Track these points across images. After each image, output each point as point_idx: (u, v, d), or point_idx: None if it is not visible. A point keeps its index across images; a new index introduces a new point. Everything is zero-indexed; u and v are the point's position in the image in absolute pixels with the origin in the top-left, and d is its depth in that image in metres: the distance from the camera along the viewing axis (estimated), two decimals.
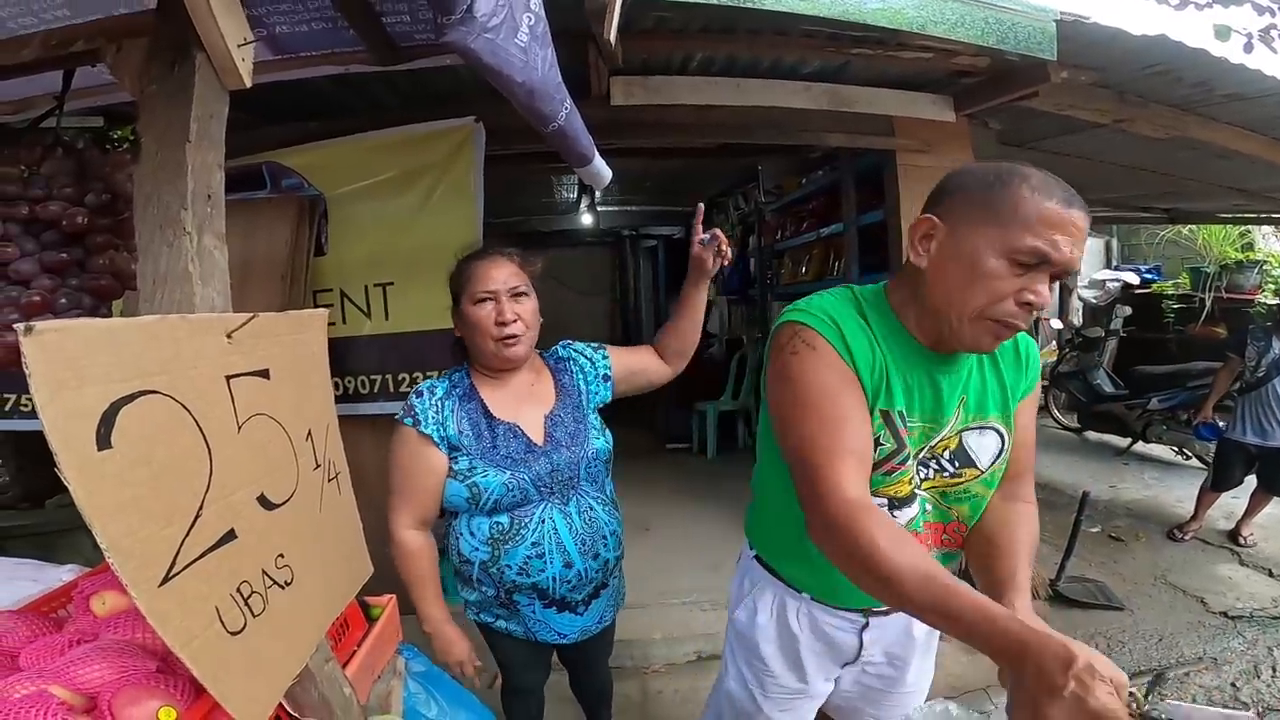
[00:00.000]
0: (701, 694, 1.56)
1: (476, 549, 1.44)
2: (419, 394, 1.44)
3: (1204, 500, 3.81)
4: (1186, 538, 3.76)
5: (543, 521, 1.42)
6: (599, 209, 6.05)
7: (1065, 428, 6.30)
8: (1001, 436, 1.11)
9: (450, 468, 1.40)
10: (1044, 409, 6.57)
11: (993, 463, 1.11)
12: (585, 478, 1.48)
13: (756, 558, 1.30)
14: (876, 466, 1.04)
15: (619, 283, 8.20)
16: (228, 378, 0.70)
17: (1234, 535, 3.70)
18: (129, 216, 0.75)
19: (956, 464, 1.10)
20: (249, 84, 0.70)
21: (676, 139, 2.77)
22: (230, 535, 0.68)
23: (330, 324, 2.61)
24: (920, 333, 1.03)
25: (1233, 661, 2.63)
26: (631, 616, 1.80)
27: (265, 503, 0.75)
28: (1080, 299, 7.03)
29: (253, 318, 0.72)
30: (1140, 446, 5.36)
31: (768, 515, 1.22)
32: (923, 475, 1.10)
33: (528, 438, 1.43)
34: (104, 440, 0.52)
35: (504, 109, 1.37)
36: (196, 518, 0.63)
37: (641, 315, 7.73)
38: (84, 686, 0.69)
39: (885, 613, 1.22)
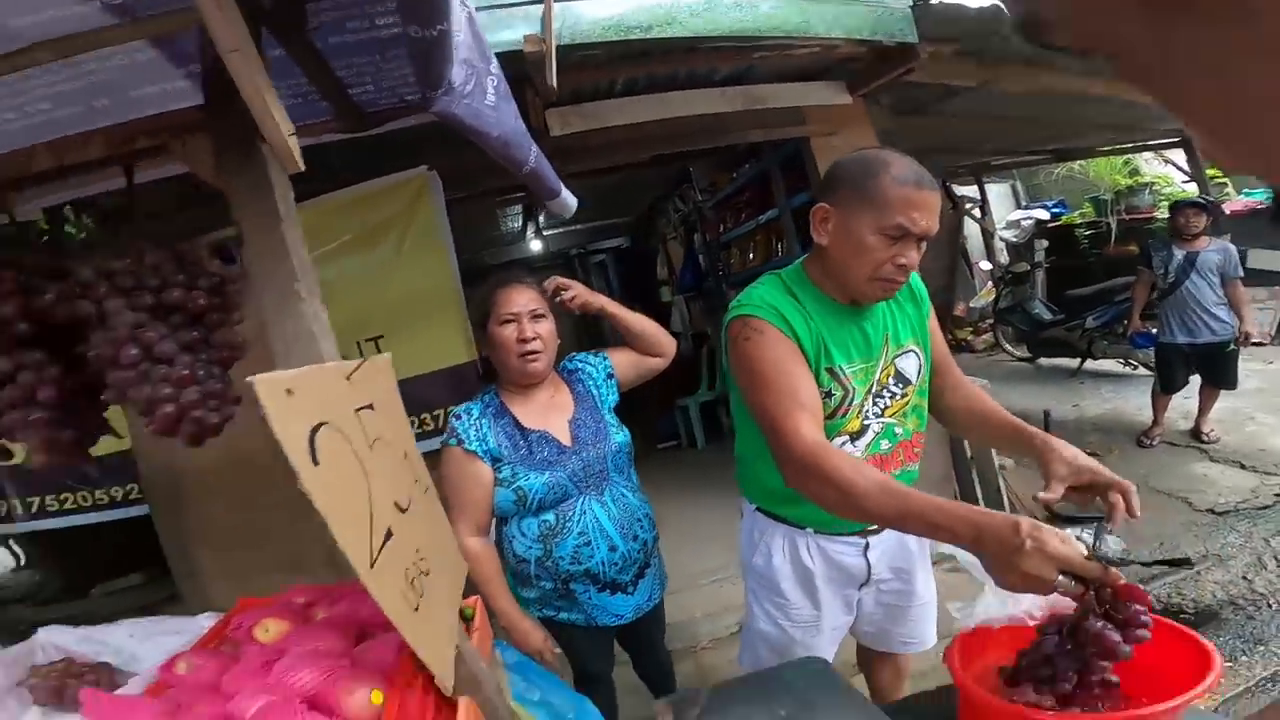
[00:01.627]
0: None
1: (530, 547, 1.60)
2: (458, 417, 1.61)
3: (1158, 404, 4.09)
4: (1154, 442, 4.02)
5: (584, 513, 1.59)
6: (545, 234, 6.22)
7: (1019, 359, 6.70)
8: (918, 355, 1.38)
9: (495, 477, 1.57)
10: (996, 345, 7.00)
11: (918, 376, 1.37)
12: (613, 469, 1.66)
13: (758, 510, 1.49)
14: (833, 414, 1.28)
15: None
16: (355, 410, 0.85)
17: (1196, 434, 3.96)
18: (229, 296, 0.90)
19: (901, 386, 1.35)
20: (302, 168, 0.86)
21: (615, 158, 2.98)
22: (389, 534, 0.83)
23: None
24: (838, 295, 1.29)
25: (1236, 556, 2.74)
26: (670, 601, 1.96)
27: (399, 508, 0.91)
28: (1001, 240, 7.52)
29: (362, 363, 0.88)
30: (1090, 364, 5.74)
31: (759, 470, 1.40)
32: (882, 405, 1.34)
33: (557, 441, 1.61)
34: (314, 459, 0.68)
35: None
36: (371, 519, 0.78)
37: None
38: (303, 689, 0.82)
39: (877, 531, 1.43)
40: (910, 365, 1.36)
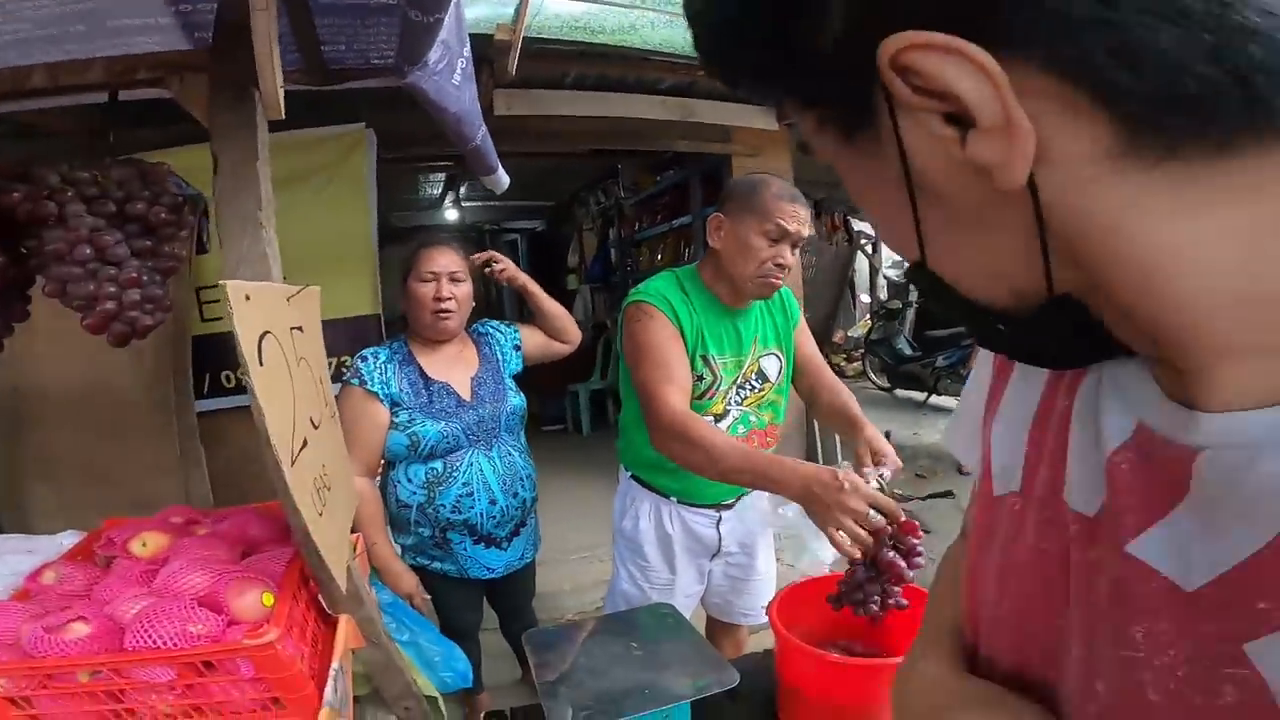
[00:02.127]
0: None
1: (414, 493, 1.69)
2: (364, 359, 1.68)
3: None
4: (968, 471, 4.69)
5: (471, 465, 1.70)
6: (464, 205, 6.15)
7: (879, 387, 7.35)
8: (779, 359, 1.63)
9: (392, 420, 1.65)
10: (863, 373, 7.66)
11: (777, 376, 1.62)
12: (505, 429, 1.79)
13: (633, 477, 1.69)
14: (702, 395, 1.51)
15: (479, 276, 8.27)
16: (290, 328, 0.95)
17: None
18: (183, 215, 0.97)
19: (760, 382, 1.60)
20: (283, 116, 0.95)
21: (550, 145, 3.10)
22: (305, 443, 0.93)
23: (218, 319, 2.68)
24: (723, 296, 1.53)
25: None
26: (540, 573, 2.09)
27: (313, 424, 1.01)
28: (885, 277, 8.24)
29: (303, 288, 0.98)
30: (935, 399, 6.43)
31: (637, 439, 1.59)
32: (743, 395, 1.57)
33: (458, 395, 1.72)
34: (260, 360, 0.78)
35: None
36: (294, 425, 0.89)
37: (504, 307, 7.88)
38: (194, 592, 0.86)
39: (730, 506, 1.66)
40: (771, 366, 1.61)
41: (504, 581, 1.85)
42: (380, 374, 1.66)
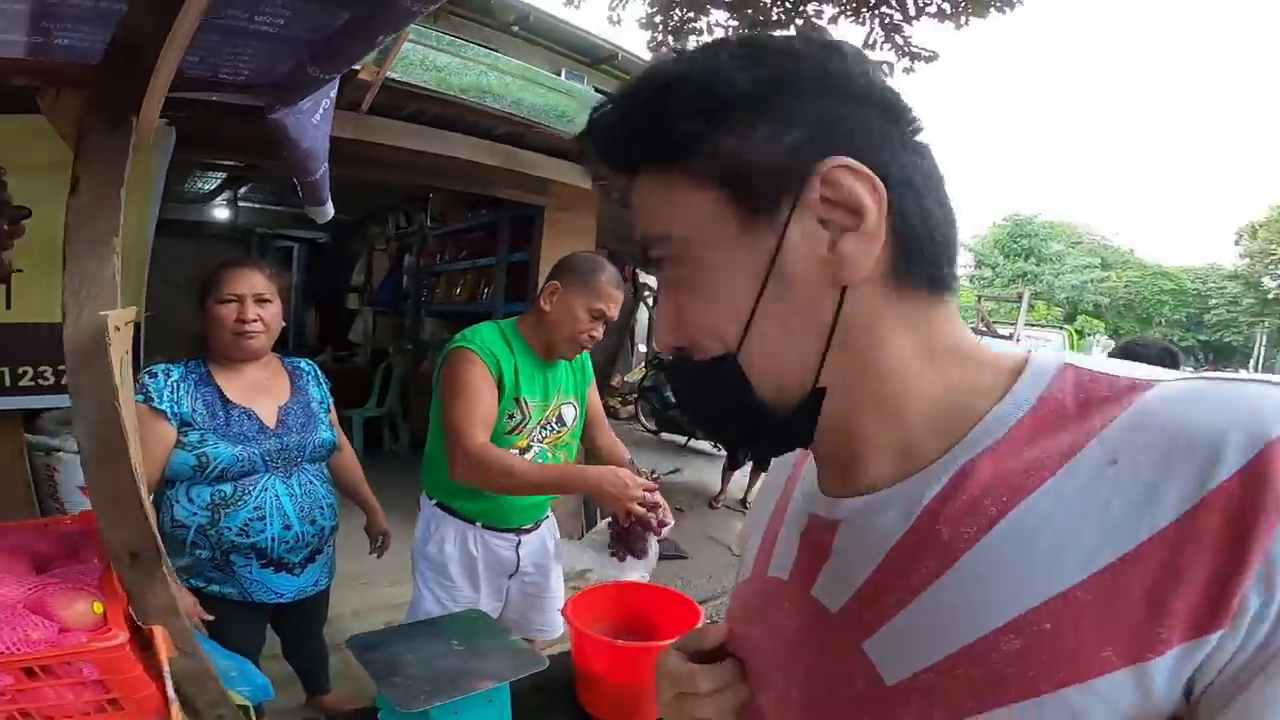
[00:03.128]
0: None
1: (195, 514, 1.61)
2: (152, 375, 1.60)
3: (725, 477, 5.42)
4: (719, 505, 5.28)
5: (266, 490, 1.68)
6: (240, 204, 5.55)
7: (647, 430, 8.02)
8: (574, 408, 1.93)
9: (179, 439, 1.58)
10: (635, 417, 8.30)
11: (572, 422, 1.91)
12: (309, 459, 1.79)
13: (437, 504, 1.83)
14: (513, 430, 1.75)
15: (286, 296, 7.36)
16: (123, 354, 0.99)
17: (744, 501, 5.32)
18: (19, 226, 0.96)
19: (559, 426, 1.87)
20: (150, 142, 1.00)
21: (370, 171, 3.07)
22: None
23: None
24: (537, 349, 1.80)
25: None
26: None
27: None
28: None
29: (134, 318, 1.02)
30: (693, 443, 7.28)
31: (444, 470, 1.68)
32: (544, 435, 1.83)
33: (260, 421, 1.69)
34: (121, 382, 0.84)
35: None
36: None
37: (288, 336, 7.10)
38: (12, 601, 0.84)
39: (529, 531, 1.88)
40: (569, 413, 1.89)
41: (294, 607, 1.81)
42: (170, 392, 1.59)
